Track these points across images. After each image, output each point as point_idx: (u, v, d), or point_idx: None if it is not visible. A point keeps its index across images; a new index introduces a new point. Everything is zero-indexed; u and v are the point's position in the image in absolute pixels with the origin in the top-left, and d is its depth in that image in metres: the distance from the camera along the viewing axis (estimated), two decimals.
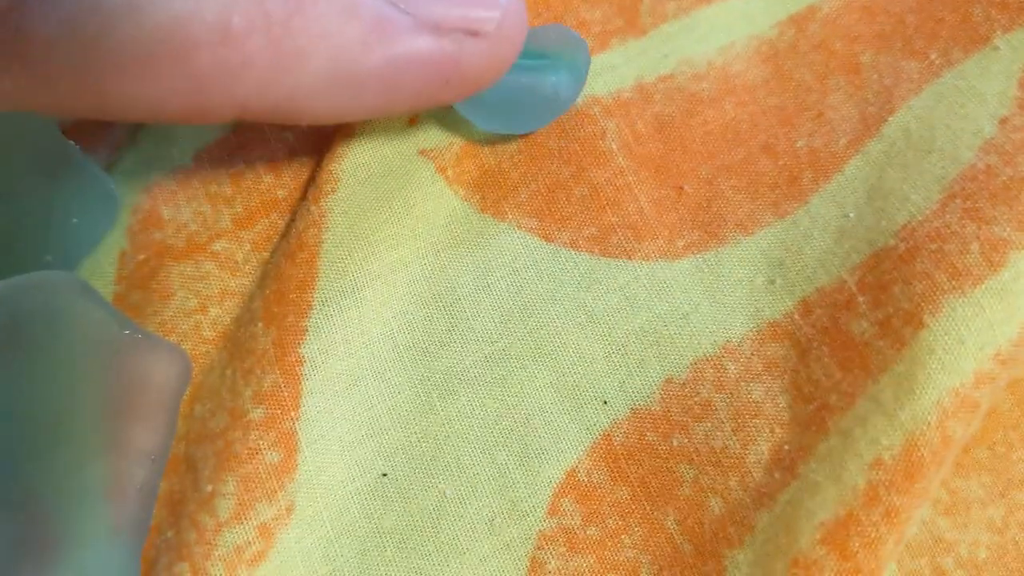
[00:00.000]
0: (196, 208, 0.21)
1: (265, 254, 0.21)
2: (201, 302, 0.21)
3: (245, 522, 0.18)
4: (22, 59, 0.16)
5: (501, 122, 0.21)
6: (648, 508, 0.19)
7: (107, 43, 0.16)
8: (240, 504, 0.18)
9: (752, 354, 0.20)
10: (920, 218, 0.19)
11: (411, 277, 0.20)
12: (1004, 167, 0.18)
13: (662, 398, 0.20)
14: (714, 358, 0.20)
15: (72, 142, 0.21)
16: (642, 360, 0.20)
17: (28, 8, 0.16)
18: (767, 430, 0.19)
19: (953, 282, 0.18)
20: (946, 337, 0.17)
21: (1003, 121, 0.19)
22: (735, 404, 0.19)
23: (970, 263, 0.18)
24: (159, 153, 0.22)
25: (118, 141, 0.22)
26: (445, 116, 0.22)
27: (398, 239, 0.20)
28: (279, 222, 0.21)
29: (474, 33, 0.17)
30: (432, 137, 0.21)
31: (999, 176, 0.18)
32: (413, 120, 0.22)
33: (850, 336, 0.19)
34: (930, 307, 0.18)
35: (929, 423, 0.17)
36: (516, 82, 0.20)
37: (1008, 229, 0.18)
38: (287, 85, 0.17)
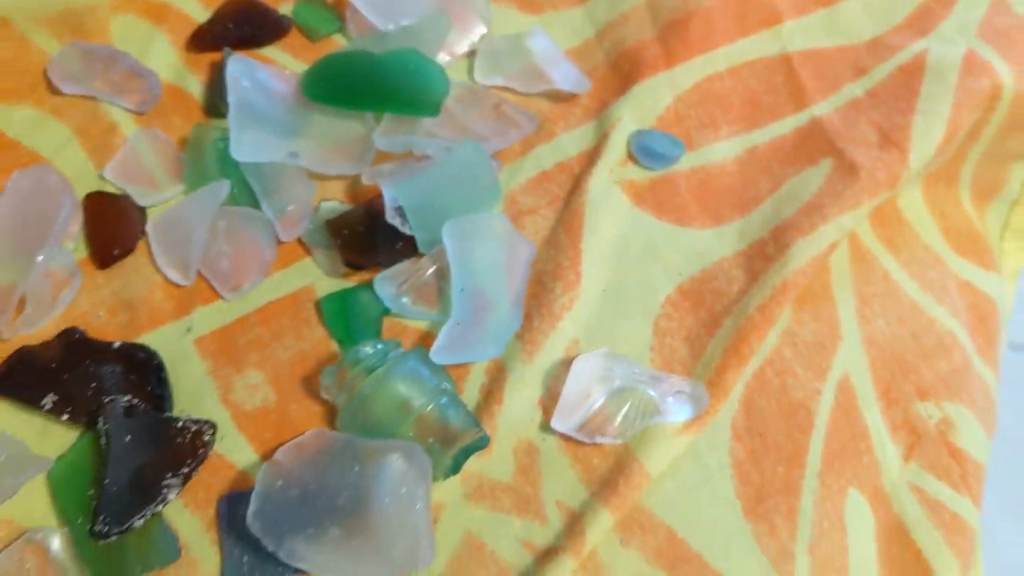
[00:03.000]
0: (535, 190, 0.58)
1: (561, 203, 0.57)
2: (536, 230, 0.57)
3: (563, 296, 0.54)
4: None
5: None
6: (696, 307, 0.56)
7: None
8: (562, 292, 0.54)
9: (734, 258, 0.57)
10: (792, 218, 0.57)
11: (611, 231, 0.57)
12: (819, 206, 0.56)
13: (701, 272, 0.57)
14: (725, 260, 0.57)
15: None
16: (696, 262, 0.57)
17: None
18: (736, 283, 0.56)
19: (802, 233, 0.55)
20: (798, 253, 0.55)
21: (819, 189, 0.57)
22: (728, 277, 0.56)
23: (810, 224, 0.55)
24: (525, 164, 0.58)
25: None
26: (625, 166, 0.59)
27: (606, 213, 0.57)
28: (569, 185, 0.58)
29: None
30: (621, 176, 0.58)
31: (823, 201, 0.56)
32: (615, 176, 0.58)
33: (766, 253, 0.56)
34: (792, 242, 0.55)
35: (786, 278, 0.54)
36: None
37: (829, 213, 0.55)
38: None
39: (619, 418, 0.51)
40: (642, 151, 0.58)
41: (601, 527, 0.48)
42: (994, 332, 0.62)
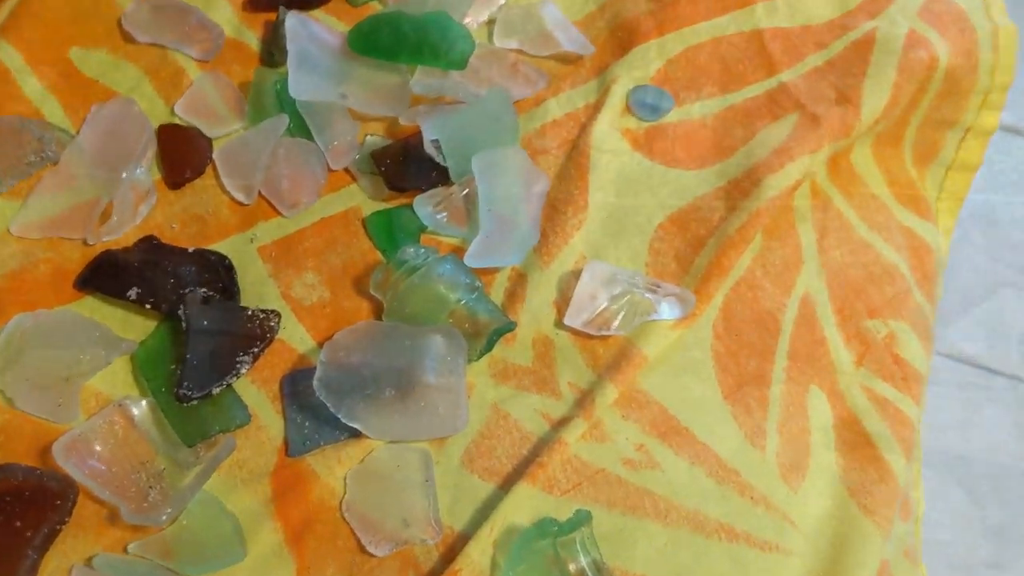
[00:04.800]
0: (546, 135, 0.68)
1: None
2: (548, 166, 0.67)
3: (573, 219, 0.64)
4: None
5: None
6: (683, 232, 0.66)
7: None
8: (572, 215, 0.64)
9: (714, 192, 0.67)
10: (764, 160, 0.67)
11: (612, 168, 0.67)
12: (786, 149, 0.67)
13: (687, 204, 0.67)
14: (707, 194, 0.67)
15: None
16: (683, 196, 0.67)
17: None
18: (717, 212, 0.66)
19: (772, 171, 0.66)
20: (769, 186, 0.65)
21: (787, 137, 0.68)
22: (710, 208, 0.67)
23: (779, 163, 0.66)
24: (538, 113, 0.69)
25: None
26: (623, 117, 0.69)
27: (608, 154, 0.67)
28: (576, 131, 0.68)
29: None
30: (620, 125, 0.69)
31: (790, 145, 0.67)
32: (614, 124, 0.69)
33: (742, 187, 0.66)
34: (763, 178, 0.66)
35: (760, 206, 0.65)
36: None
37: (795, 154, 0.66)
38: None
39: (620, 316, 0.61)
40: (638, 104, 0.69)
41: (607, 398, 0.58)
42: (930, 271, 0.73)
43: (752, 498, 0.58)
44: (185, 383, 0.55)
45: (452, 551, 0.54)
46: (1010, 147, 1.31)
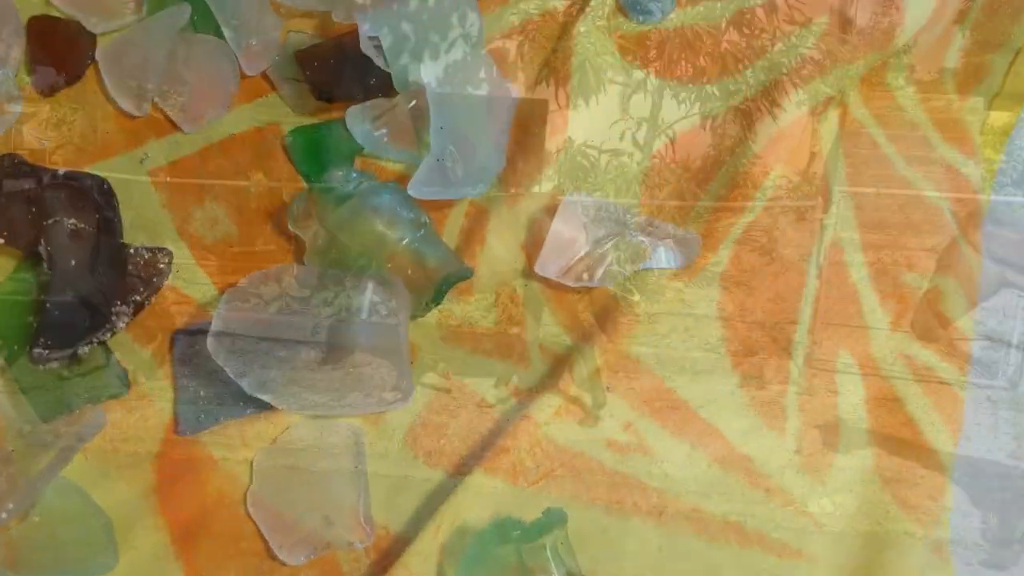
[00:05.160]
0: (519, 37, 0.55)
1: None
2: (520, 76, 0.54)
3: (549, 142, 0.51)
4: None
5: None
6: (688, 160, 0.53)
7: None
8: (548, 137, 0.51)
9: (726, 113, 0.54)
10: (788, 72, 0.54)
11: (599, 81, 0.54)
12: (815, 59, 0.54)
13: (692, 127, 0.54)
14: (719, 114, 0.54)
15: None
16: (688, 116, 0.55)
17: None
18: (729, 136, 0.54)
19: (800, 83, 0.53)
20: (793, 105, 0.53)
21: (814, 46, 0.55)
22: (722, 130, 0.54)
23: (808, 75, 0.53)
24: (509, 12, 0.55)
25: None
26: (613, 18, 0.56)
27: (594, 64, 0.54)
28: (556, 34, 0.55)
29: None
30: (609, 28, 0.56)
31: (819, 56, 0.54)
32: (603, 27, 0.56)
33: (761, 106, 0.54)
34: (788, 93, 0.53)
35: (782, 128, 0.52)
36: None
37: (825, 65, 0.53)
38: None
39: (605, 264, 0.49)
40: (631, 4, 0.56)
41: (588, 366, 0.46)
42: (975, 214, 0.61)
43: (767, 491, 0.49)
44: (41, 340, 0.43)
45: (387, 557, 0.46)
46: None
